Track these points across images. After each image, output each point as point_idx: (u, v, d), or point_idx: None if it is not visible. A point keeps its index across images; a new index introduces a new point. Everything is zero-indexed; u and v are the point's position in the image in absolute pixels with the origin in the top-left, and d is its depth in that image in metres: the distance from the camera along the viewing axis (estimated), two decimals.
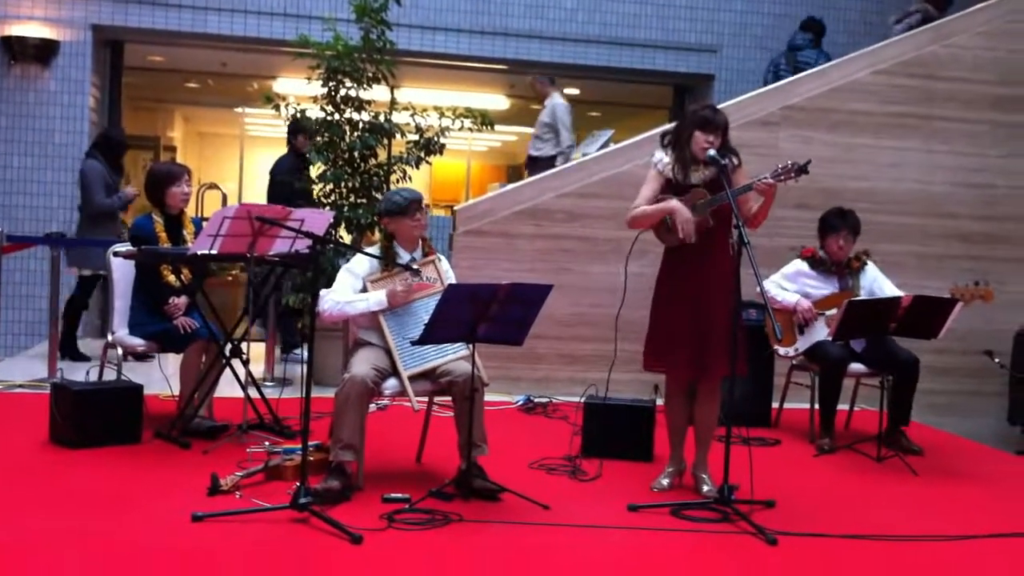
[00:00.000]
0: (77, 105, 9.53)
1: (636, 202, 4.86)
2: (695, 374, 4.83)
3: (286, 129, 8.54)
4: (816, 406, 6.15)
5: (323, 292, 4.78)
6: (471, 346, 4.58)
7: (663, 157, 4.85)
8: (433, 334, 4.37)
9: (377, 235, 7.30)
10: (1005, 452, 6.75)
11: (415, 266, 4.80)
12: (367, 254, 4.89)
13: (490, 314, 4.38)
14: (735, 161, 4.76)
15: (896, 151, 8.12)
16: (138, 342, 5.68)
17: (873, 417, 6.06)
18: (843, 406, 6.33)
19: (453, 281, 4.94)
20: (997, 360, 7.43)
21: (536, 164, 9.35)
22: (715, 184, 4.69)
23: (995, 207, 8.29)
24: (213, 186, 12.72)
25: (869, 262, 6.31)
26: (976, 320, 7.33)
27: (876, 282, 6.24)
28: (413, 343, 4.52)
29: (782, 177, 4.60)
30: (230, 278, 9.78)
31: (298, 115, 7.61)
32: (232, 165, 14.01)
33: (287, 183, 8.02)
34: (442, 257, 5.07)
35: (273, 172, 8.70)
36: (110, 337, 5.81)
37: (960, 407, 8.05)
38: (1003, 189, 8.30)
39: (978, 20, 8.32)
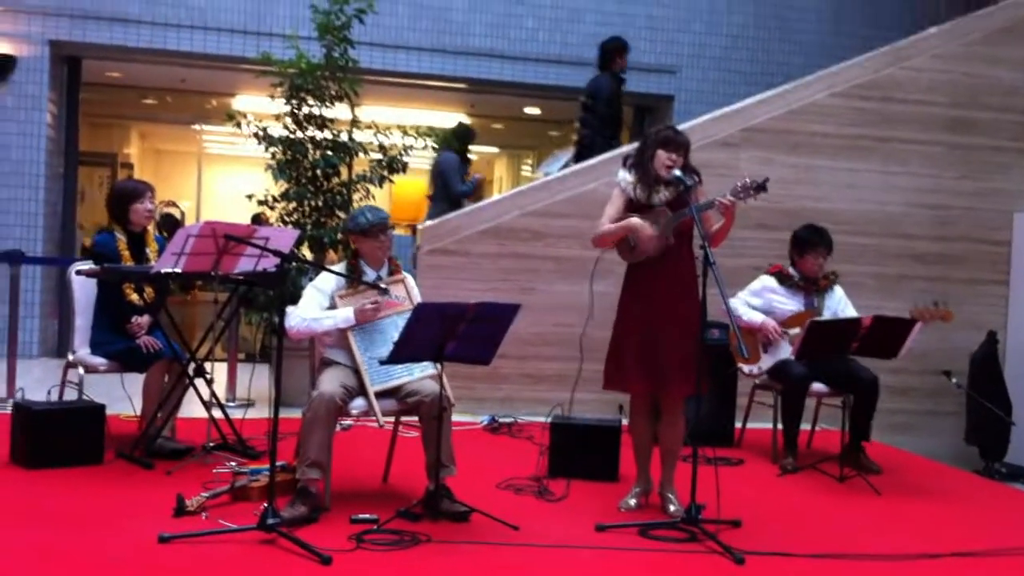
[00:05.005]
0: (34, 121, 9.42)
1: (601, 221, 4.90)
2: (649, 389, 4.85)
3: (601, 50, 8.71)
4: (779, 425, 6.20)
5: (290, 309, 4.74)
6: (439, 365, 4.55)
7: (626, 176, 4.89)
8: (402, 353, 4.35)
9: (333, 255, 7.30)
10: (963, 471, 6.83)
11: (383, 284, 4.79)
12: (333, 272, 4.87)
13: (458, 333, 4.37)
14: (696, 179, 4.80)
15: (854, 172, 8.23)
16: (100, 361, 5.60)
17: (834, 437, 6.12)
18: (805, 426, 6.38)
19: (419, 300, 4.93)
20: (954, 380, 7.52)
21: None
22: (676, 205, 4.74)
23: (950, 228, 8.43)
24: (171, 204, 12.63)
25: (837, 284, 6.37)
26: (933, 340, 7.42)
27: (841, 304, 6.30)
28: (382, 362, 4.50)
29: (741, 196, 4.64)
30: (188, 297, 9.65)
31: None
32: (190, 183, 13.91)
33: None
34: (408, 275, 5.07)
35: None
36: (71, 356, 5.72)
37: (917, 427, 8.17)
38: (957, 210, 8.44)
39: (933, 43, 8.46)
